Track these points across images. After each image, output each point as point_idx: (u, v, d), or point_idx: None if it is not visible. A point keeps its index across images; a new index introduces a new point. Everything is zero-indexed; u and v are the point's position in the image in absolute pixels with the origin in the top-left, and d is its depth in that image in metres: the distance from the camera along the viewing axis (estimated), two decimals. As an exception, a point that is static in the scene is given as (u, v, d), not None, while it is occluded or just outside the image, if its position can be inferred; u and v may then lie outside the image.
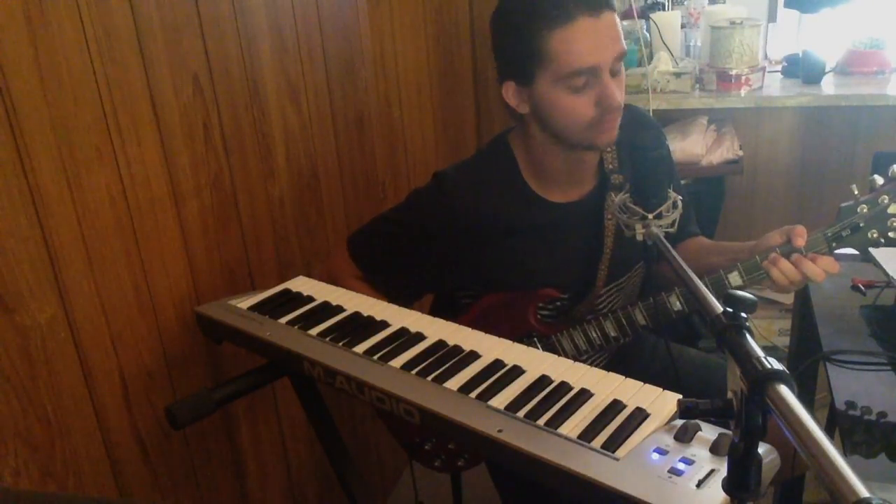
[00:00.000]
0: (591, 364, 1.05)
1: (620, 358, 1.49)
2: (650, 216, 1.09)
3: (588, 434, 0.83)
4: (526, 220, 1.31)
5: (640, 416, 0.85)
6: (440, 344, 1.05)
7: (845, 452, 1.09)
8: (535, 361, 0.99)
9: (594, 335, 1.31)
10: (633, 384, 0.92)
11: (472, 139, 2.77)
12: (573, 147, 1.26)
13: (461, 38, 2.64)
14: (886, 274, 1.39)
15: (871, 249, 1.20)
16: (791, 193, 2.81)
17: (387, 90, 2.02)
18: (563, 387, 0.92)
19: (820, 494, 1.66)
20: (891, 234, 1.17)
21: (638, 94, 2.35)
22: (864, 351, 1.30)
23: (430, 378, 0.97)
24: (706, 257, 1.37)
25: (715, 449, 0.78)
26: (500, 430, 0.85)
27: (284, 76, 1.51)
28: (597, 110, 1.19)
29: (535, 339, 1.34)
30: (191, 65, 1.23)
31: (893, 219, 1.16)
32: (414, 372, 0.99)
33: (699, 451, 0.78)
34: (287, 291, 1.24)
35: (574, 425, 0.85)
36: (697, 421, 0.81)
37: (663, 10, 2.56)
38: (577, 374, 0.95)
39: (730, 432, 0.77)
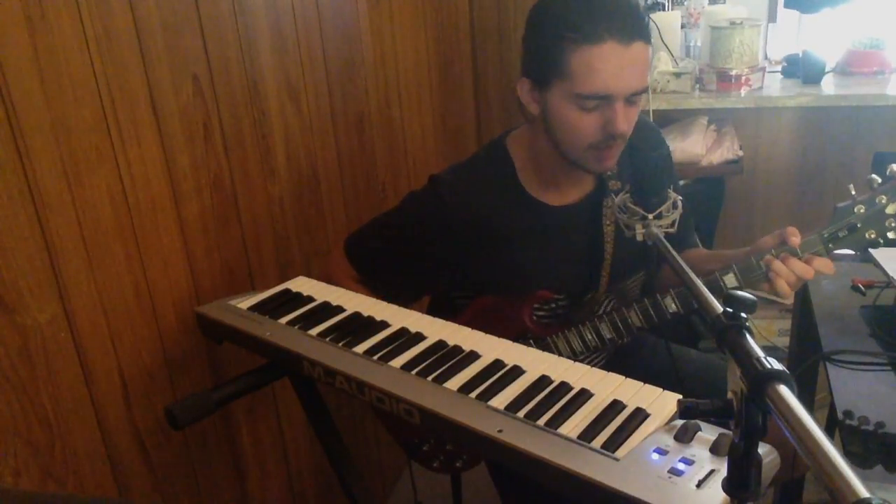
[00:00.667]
0: (588, 364, 1.05)
1: (620, 358, 1.49)
2: (650, 216, 1.08)
3: (588, 434, 0.83)
4: (521, 224, 1.30)
5: (640, 416, 0.85)
6: (440, 344, 1.05)
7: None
8: (535, 362, 0.99)
9: (589, 337, 1.30)
10: (633, 384, 0.92)
11: (472, 139, 2.77)
12: (570, 162, 1.26)
13: (461, 38, 2.65)
14: (886, 274, 1.39)
15: (870, 249, 1.19)
16: (791, 193, 2.81)
17: (387, 90, 2.02)
18: (563, 387, 0.92)
19: (820, 494, 1.67)
20: (889, 235, 1.16)
21: (638, 94, 2.34)
22: (864, 351, 1.30)
23: (430, 378, 0.97)
24: (703, 265, 1.37)
25: (715, 449, 0.78)
26: (500, 430, 0.85)
27: (284, 76, 1.51)
28: (601, 134, 1.18)
29: (531, 340, 1.33)
30: (191, 65, 1.23)
31: (891, 219, 1.16)
32: (414, 372, 0.99)
33: (699, 451, 0.78)
34: (287, 291, 1.24)
35: (574, 425, 0.85)
36: (697, 421, 0.81)
37: (663, 10, 2.56)
38: (577, 374, 0.95)
39: (730, 432, 0.77)
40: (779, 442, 0.70)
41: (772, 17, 2.72)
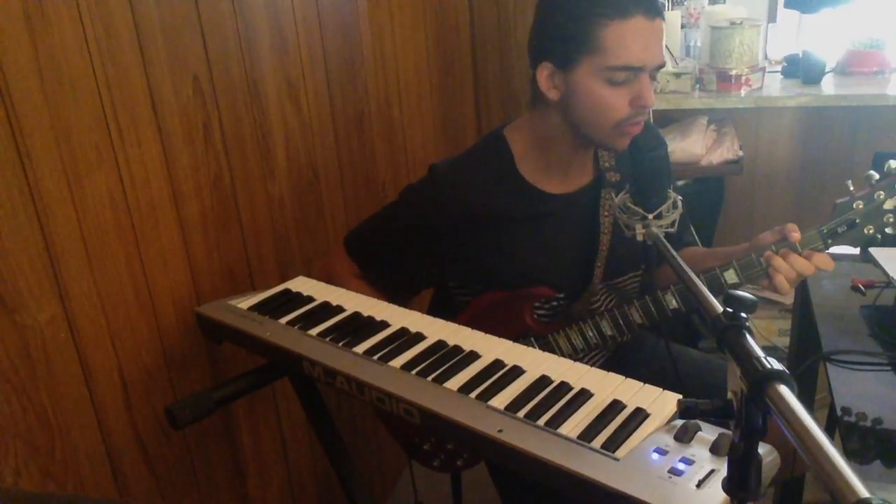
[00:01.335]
0: (587, 363, 1.05)
1: (620, 358, 1.49)
2: (650, 216, 1.09)
3: (588, 434, 0.83)
4: (520, 211, 1.31)
5: (640, 416, 0.85)
6: (440, 344, 1.05)
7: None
8: (535, 361, 0.99)
9: (591, 334, 1.31)
10: (633, 384, 0.92)
11: (472, 139, 2.77)
12: (588, 144, 1.27)
13: (461, 38, 2.65)
14: (886, 274, 1.39)
15: (870, 249, 1.20)
16: (791, 193, 2.81)
17: (387, 90, 2.02)
18: (563, 387, 0.92)
19: (820, 494, 1.67)
20: (887, 230, 1.16)
21: (638, 94, 2.34)
22: (864, 351, 1.30)
23: (430, 378, 0.97)
24: (701, 262, 1.37)
25: (715, 449, 0.78)
26: (500, 430, 0.85)
27: (284, 76, 1.51)
28: (629, 109, 1.20)
29: (532, 338, 1.34)
30: (191, 65, 1.23)
31: (889, 214, 1.16)
32: (414, 372, 0.99)
33: (699, 451, 0.78)
34: (287, 291, 1.24)
35: (574, 425, 0.85)
36: (697, 421, 0.81)
37: (663, 10, 2.56)
38: (577, 374, 0.95)
39: (730, 432, 0.77)
40: (779, 442, 0.70)
41: (772, 17, 2.72)
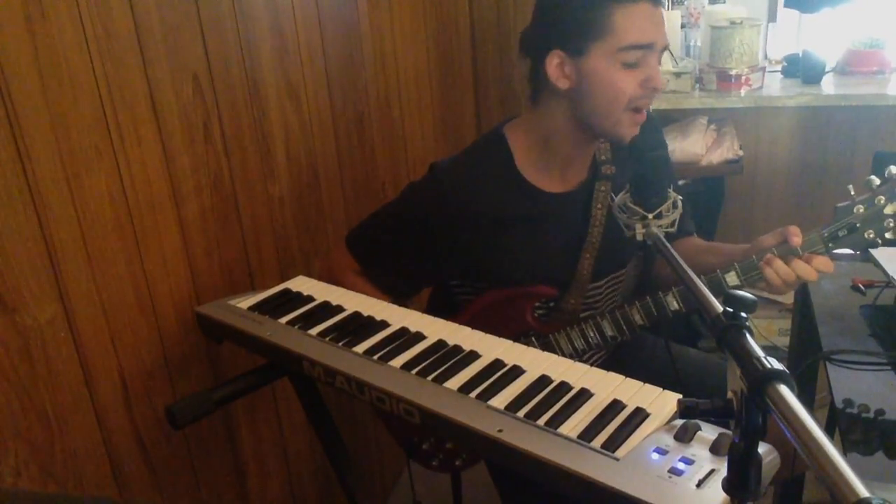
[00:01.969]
0: (586, 362, 1.06)
1: (619, 357, 1.49)
2: (650, 216, 1.09)
3: (588, 434, 0.83)
4: (520, 210, 1.31)
5: (640, 415, 0.85)
6: (440, 344, 1.05)
7: (844, 451, 1.09)
8: (535, 361, 0.99)
9: (592, 334, 1.31)
10: (633, 384, 0.92)
11: (471, 139, 2.75)
12: (594, 134, 1.28)
13: (461, 38, 2.65)
14: (886, 274, 1.39)
15: (870, 250, 1.20)
16: (791, 193, 2.81)
17: (387, 90, 2.02)
18: (563, 387, 0.92)
19: (820, 494, 1.67)
20: (887, 235, 1.17)
21: (638, 93, 2.34)
22: (864, 351, 1.30)
23: (430, 378, 0.97)
24: (701, 257, 1.38)
25: (715, 449, 0.78)
26: (500, 430, 0.85)
27: (284, 76, 1.51)
28: (641, 90, 1.22)
29: (533, 337, 1.34)
30: (191, 65, 1.23)
31: (890, 219, 1.17)
32: (414, 372, 0.99)
33: (699, 451, 0.78)
34: (287, 291, 1.24)
35: (574, 425, 0.85)
36: (697, 421, 0.81)
37: (663, 9, 2.56)
38: (577, 374, 0.95)
39: (730, 432, 0.77)
40: (779, 442, 0.70)
41: (772, 17, 2.72)
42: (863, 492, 0.48)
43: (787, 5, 2.64)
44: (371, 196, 1.94)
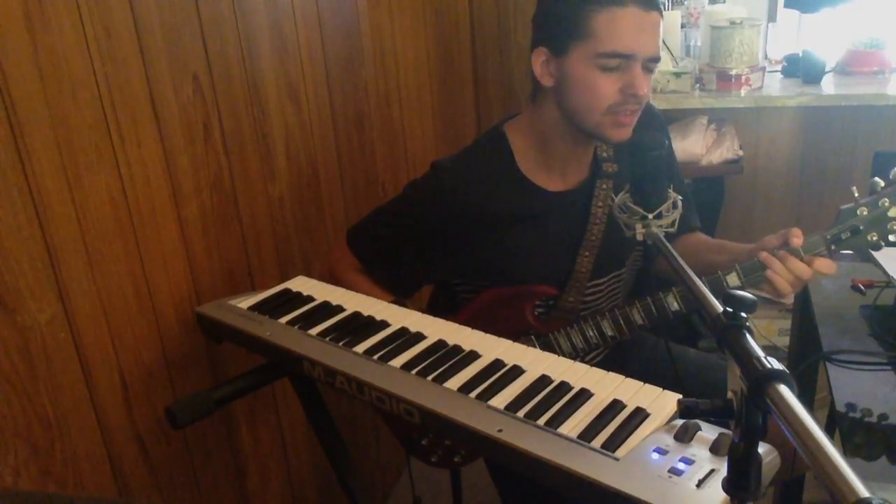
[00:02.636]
0: (586, 361, 1.05)
1: (619, 357, 1.49)
2: (650, 216, 1.08)
3: (588, 434, 0.83)
4: (521, 209, 1.31)
5: (640, 415, 0.85)
6: (440, 344, 1.05)
7: (845, 454, 1.09)
8: (535, 361, 0.99)
9: (591, 334, 1.31)
10: (633, 384, 0.92)
11: (472, 139, 2.76)
12: (583, 134, 1.27)
13: (461, 38, 2.64)
14: (886, 274, 1.39)
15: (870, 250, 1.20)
16: (791, 193, 2.81)
17: (387, 90, 2.02)
18: (563, 387, 0.92)
19: (820, 494, 1.66)
20: (891, 237, 1.17)
21: (638, 93, 2.34)
22: (864, 351, 1.30)
23: (430, 378, 0.97)
24: (705, 254, 1.38)
25: (715, 449, 0.78)
26: (500, 430, 0.85)
27: (284, 76, 1.51)
28: (619, 96, 1.20)
29: (533, 336, 1.34)
30: (191, 65, 1.23)
31: (893, 222, 1.16)
32: (414, 372, 0.99)
33: (699, 451, 0.78)
34: (287, 291, 1.24)
35: (574, 425, 0.85)
36: (697, 421, 0.81)
37: (663, 9, 2.56)
38: (577, 373, 0.95)
39: (730, 432, 0.77)
40: (779, 442, 0.70)
41: (772, 17, 2.72)
42: (862, 492, 0.48)
43: (787, 5, 2.64)
44: (371, 196, 1.94)
